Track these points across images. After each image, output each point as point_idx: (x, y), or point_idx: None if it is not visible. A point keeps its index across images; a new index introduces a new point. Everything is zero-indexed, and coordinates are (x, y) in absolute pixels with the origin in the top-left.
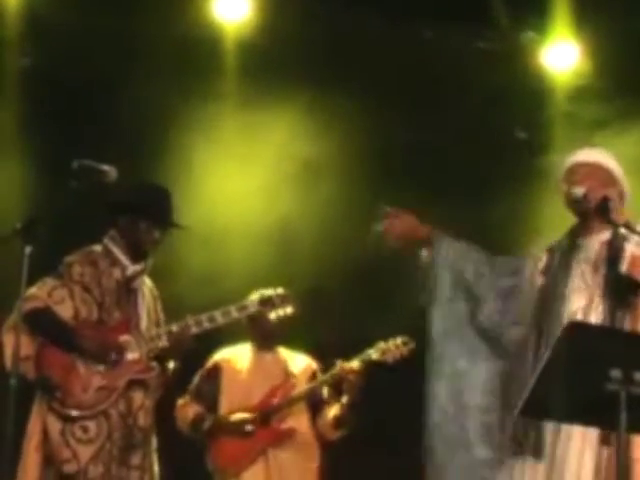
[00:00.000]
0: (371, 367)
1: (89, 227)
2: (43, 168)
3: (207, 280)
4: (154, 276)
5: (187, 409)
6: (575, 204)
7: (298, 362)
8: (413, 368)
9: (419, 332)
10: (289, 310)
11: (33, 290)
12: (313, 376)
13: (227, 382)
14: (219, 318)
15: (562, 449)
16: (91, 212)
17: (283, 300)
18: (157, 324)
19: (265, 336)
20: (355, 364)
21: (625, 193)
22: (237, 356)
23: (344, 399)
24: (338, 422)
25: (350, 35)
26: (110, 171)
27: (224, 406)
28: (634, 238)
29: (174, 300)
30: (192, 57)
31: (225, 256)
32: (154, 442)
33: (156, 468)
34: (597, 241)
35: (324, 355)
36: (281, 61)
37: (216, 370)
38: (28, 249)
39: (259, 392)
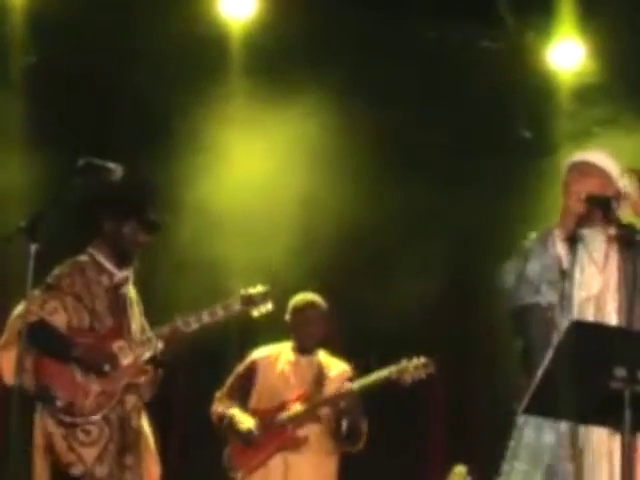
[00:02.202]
0: (386, 384)
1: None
2: (48, 165)
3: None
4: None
5: (218, 403)
6: (579, 205)
7: (335, 368)
8: None
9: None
10: (269, 307)
11: (24, 306)
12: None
13: (260, 380)
14: (206, 317)
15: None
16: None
17: (264, 297)
18: (143, 329)
19: (300, 340)
20: (354, 385)
21: (622, 193)
22: (274, 355)
23: (343, 420)
24: (341, 442)
25: (355, 33)
26: (115, 169)
27: (253, 404)
28: None
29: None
30: (198, 54)
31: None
32: (151, 442)
33: (156, 469)
34: (603, 233)
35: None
36: (287, 58)
37: (251, 368)
38: (33, 247)
39: (288, 394)
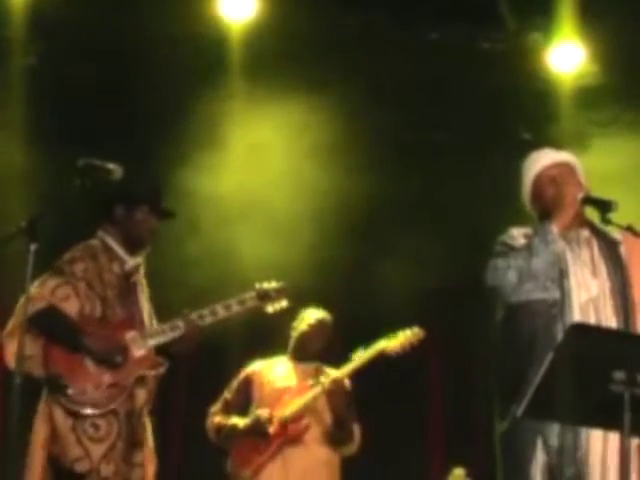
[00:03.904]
0: (379, 358)
1: (93, 224)
2: (49, 166)
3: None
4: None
5: (214, 417)
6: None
7: (331, 374)
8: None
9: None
10: (284, 303)
11: (35, 290)
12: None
13: (257, 393)
14: (221, 311)
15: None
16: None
17: (279, 293)
18: (150, 317)
19: (304, 346)
20: (340, 372)
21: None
22: (269, 367)
23: (328, 417)
24: (330, 438)
25: (356, 34)
26: (115, 169)
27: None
28: None
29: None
30: (197, 56)
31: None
32: (150, 439)
33: (152, 466)
34: (583, 235)
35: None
36: (287, 60)
37: (246, 382)
38: (33, 246)
39: (287, 397)
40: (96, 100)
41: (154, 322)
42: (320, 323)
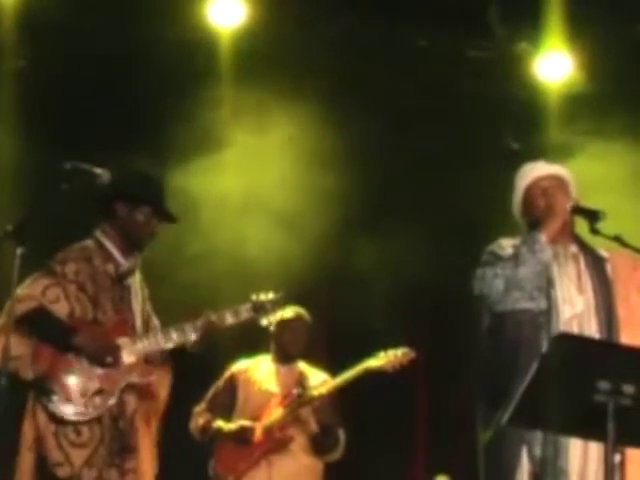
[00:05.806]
0: (368, 376)
1: (81, 228)
2: (37, 169)
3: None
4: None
5: (199, 417)
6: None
7: (315, 377)
8: None
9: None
10: (280, 316)
11: (25, 290)
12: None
13: (242, 393)
14: (214, 322)
15: None
16: (83, 214)
17: (275, 305)
18: (147, 321)
19: (284, 350)
20: (323, 389)
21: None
22: (254, 367)
23: (313, 425)
24: (316, 447)
25: (345, 40)
26: (103, 174)
27: (238, 416)
28: None
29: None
30: (187, 62)
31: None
32: (152, 443)
33: (152, 469)
34: (570, 250)
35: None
36: (276, 66)
37: (232, 381)
38: (20, 250)
39: (271, 404)
40: (86, 103)
41: (155, 322)
42: (290, 323)
